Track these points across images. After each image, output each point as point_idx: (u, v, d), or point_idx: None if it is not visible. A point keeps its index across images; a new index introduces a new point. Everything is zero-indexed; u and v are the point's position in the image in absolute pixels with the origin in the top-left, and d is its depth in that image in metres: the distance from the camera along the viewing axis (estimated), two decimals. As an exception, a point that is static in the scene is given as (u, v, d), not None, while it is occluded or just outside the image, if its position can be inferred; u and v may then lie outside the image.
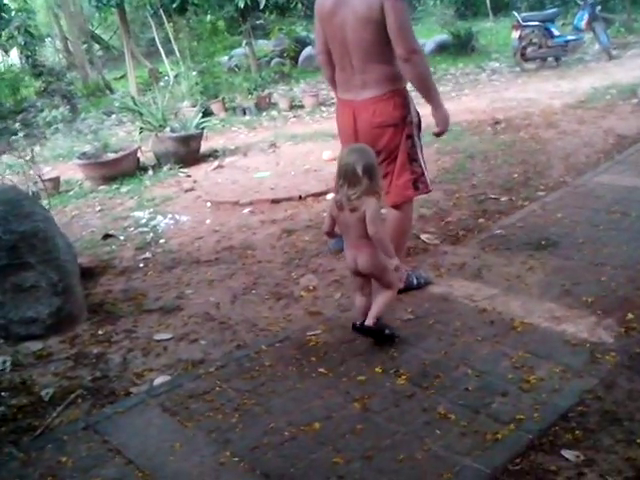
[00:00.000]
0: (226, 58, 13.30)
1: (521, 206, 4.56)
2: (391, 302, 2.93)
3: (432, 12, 17.53)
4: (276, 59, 12.54)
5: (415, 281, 3.39)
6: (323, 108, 9.36)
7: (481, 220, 4.38)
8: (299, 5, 9.40)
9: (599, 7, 10.92)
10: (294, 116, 9.02)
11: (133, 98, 6.92)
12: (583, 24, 10.52)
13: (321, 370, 2.70)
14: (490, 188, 4.96)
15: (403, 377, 2.59)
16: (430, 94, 3.10)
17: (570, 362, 2.59)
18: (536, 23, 10.12)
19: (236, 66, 11.77)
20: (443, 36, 13.27)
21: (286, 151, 6.79)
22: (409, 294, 3.32)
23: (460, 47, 12.26)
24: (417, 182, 3.24)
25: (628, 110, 6.96)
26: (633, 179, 4.79)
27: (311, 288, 3.60)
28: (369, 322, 2.80)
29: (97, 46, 20.75)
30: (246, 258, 4.14)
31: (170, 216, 5.08)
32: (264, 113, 9.34)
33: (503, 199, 4.73)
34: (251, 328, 3.23)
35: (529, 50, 10.19)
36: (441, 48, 13.02)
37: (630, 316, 2.89)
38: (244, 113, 9.33)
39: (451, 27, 13.31)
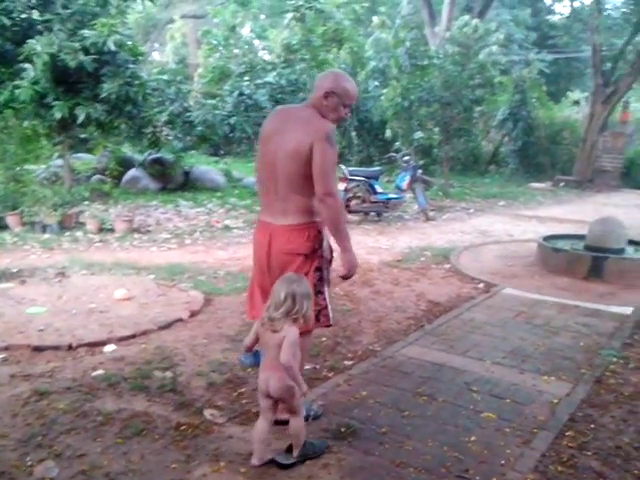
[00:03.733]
0: (43, 167, 12.31)
1: (325, 377, 4.08)
2: (302, 427, 2.99)
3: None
4: (97, 176, 11.79)
5: (310, 413, 3.42)
6: (136, 235, 8.62)
7: (279, 393, 3.81)
8: (123, 125, 8.88)
9: (420, 170, 11.58)
10: (100, 240, 8.17)
11: None
12: (404, 184, 11.02)
13: None
14: (294, 352, 4.45)
15: None
16: (340, 236, 3.22)
17: None
18: (361, 178, 10.41)
19: (45, 178, 10.87)
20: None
21: (75, 282, 5.89)
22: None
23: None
24: (319, 314, 3.30)
25: (440, 275, 7.00)
26: (441, 354, 4.54)
27: (45, 483, 2.74)
28: (295, 453, 2.95)
29: None
30: (-29, 430, 3.18)
31: None
32: (67, 233, 8.39)
33: (307, 367, 4.21)
34: None
35: (353, 203, 10.38)
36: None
37: None
38: (44, 230, 8.33)
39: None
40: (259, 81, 11.16)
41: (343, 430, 3.33)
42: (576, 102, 21.99)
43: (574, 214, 12.26)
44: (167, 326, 4.75)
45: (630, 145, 18.01)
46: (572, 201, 14.71)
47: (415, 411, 3.62)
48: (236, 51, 16.62)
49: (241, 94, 10.76)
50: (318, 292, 3.27)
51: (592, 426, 3.55)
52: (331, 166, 3.15)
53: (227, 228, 9.50)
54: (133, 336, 4.49)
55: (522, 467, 3.09)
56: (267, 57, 17.95)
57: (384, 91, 14.81)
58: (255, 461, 2.96)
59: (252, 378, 3.98)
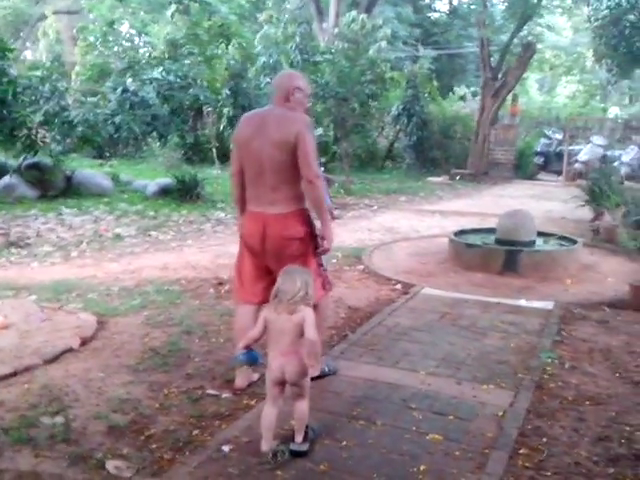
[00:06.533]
0: None
1: (246, 406, 3.56)
2: (307, 412, 3.07)
3: (158, 153, 16.95)
4: (-34, 185, 10.56)
5: (326, 369, 3.89)
6: (14, 250, 7.64)
7: (196, 432, 3.24)
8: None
9: (322, 168, 11.19)
10: (-28, 258, 7.18)
11: None
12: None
13: None
14: (209, 379, 3.89)
15: None
16: (323, 214, 3.67)
17: None
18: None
19: None
20: (167, 180, 12.53)
21: (-61, 312, 5.00)
22: None
23: (185, 193, 11.55)
24: (324, 283, 3.77)
25: (355, 277, 6.64)
26: (371, 368, 4.14)
27: None
28: (299, 439, 3.01)
29: None
30: None
31: None
32: None
33: (224, 396, 3.68)
34: None
35: (255, 205, 9.81)
36: (164, 192, 12.16)
37: None
38: None
39: (176, 171, 12.68)
40: (145, 77, 10.36)
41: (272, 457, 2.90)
42: (462, 97, 22.52)
43: (474, 207, 12.35)
44: (54, 359, 4.00)
45: (517, 137, 18.59)
46: (470, 194, 14.90)
47: (354, 439, 3.18)
48: (116, 48, 15.64)
49: (125, 91, 9.92)
50: (319, 265, 3.74)
51: (544, 440, 3.27)
52: (314, 151, 3.56)
53: (118, 237, 8.68)
54: (14, 374, 3.73)
55: (482, 498, 2.74)
56: (150, 53, 17.04)
57: (277, 88, 14.35)
58: (265, 448, 2.97)
59: (161, 416, 3.41)
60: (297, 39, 14.23)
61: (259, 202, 3.63)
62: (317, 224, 3.74)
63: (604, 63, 19.42)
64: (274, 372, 3.01)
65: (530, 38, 16.63)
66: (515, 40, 16.76)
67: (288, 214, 3.59)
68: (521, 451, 3.14)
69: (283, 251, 3.58)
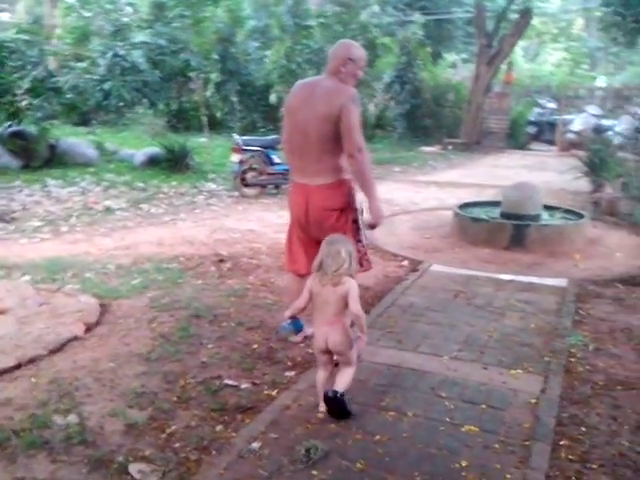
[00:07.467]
0: None
1: (268, 397, 3.36)
2: (350, 379, 3.10)
3: (141, 121, 16.42)
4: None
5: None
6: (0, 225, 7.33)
7: (219, 427, 3.05)
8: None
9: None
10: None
11: None
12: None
13: None
14: (226, 368, 3.68)
15: None
16: (368, 188, 3.66)
17: None
18: (257, 148, 9.55)
19: None
20: (155, 149, 12.14)
21: None
22: None
23: (174, 163, 11.18)
24: (362, 260, 3.68)
25: (359, 253, 6.43)
26: (392, 352, 3.96)
27: None
28: (340, 387, 3.03)
29: None
30: None
31: None
32: None
33: (244, 386, 3.48)
34: None
35: (249, 175, 9.50)
36: (153, 162, 11.81)
37: None
38: None
39: (163, 139, 12.28)
40: (135, 41, 9.87)
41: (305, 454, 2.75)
42: (452, 65, 22.13)
43: (469, 177, 12.19)
44: (59, 348, 3.74)
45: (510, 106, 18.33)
46: (463, 164, 14.71)
47: (387, 433, 3.01)
48: (98, 10, 15.01)
49: (115, 55, 9.44)
50: (358, 241, 3.67)
51: (583, 429, 3.13)
52: (358, 124, 3.54)
53: (109, 210, 8.37)
54: (18, 366, 3.48)
55: (531, 497, 2.59)
56: (134, 16, 16.39)
57: (266, 53, 13.90)
58: (323, 408, 3.11)
59: (180, 410, 3.20)
60: (289, 2, 13.73)
61: (304, 173, 3.71)
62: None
63: (611, 31, 18.97)
64: (318, 341, 3.09)
65: (526, 4, 16.22)
66: (512, 6, 16.35)
67: (329, 185, 3.65)
68: (562, 442, 3.00)
69: (323, 222, 3.65)
